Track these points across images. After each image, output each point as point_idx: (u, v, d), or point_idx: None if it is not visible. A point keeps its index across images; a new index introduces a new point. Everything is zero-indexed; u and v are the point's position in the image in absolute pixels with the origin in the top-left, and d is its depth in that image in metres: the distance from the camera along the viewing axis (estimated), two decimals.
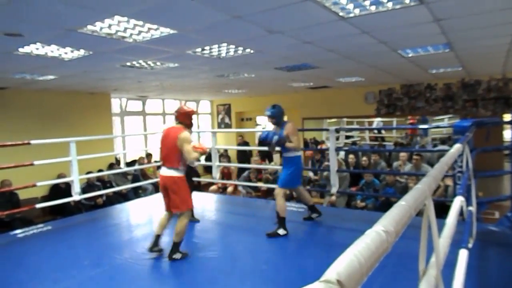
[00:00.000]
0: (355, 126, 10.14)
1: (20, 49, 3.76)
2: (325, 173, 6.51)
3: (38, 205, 5.09)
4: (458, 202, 1.99)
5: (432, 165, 6.02)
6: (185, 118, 3.46)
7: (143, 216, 5.33)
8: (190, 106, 3.62)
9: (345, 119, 9.82)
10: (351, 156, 7.09)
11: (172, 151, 3.34)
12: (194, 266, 3.31)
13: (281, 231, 3.92)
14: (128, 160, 9.46)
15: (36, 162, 4.70)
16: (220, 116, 12.57)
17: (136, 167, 8.14)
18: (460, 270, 1.70)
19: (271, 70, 5.91)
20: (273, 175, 7.84)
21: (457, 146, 2.22)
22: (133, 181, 7.84)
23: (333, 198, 5.98)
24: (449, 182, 5.17)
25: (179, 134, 3.32)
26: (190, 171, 4.93)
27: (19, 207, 6.10)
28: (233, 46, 4.13)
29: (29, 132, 6.80)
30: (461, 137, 3.12)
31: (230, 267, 3.31)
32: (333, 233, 4.42)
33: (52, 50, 3.89)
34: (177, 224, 3.36)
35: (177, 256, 3.34)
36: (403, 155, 6.69)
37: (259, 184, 7.45)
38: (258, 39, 3.79)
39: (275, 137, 4.00)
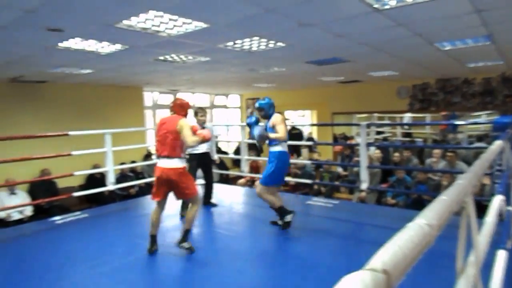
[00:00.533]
0: (386, 121, 9.89)
1: (60, 44, 3.92)
2: (355, 169, 6.42)
3: (75, 194, 5.33)
4: (497, 201, 1.92)
5: (467, 163, 5.79)
6: (180, 109, 3.34)
7: (173, 207, 5.45)
8: (186, 99, 3.53)
9: (375, 114, 9.60)
10: (376, 151, 6.90)
11: (171, 138, 3.19)
12: (222, 257, 3.36)
13: (288, 218, 3.83)
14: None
15: (73, 153, 4.92)
16: (249, 110, 12.61)
17: None
18: (498, 271, 1.65)
19: (302, 64, 5.86)
20: (301, 170, 7.82)
21: (498, 143, 2.13)
22: None
23: (363, 194, 5.88)
24: (486, 180, 4.95)
25: (179, 119, 3.21)
26: (208, 162, 5.00)
27: (58, 195, 6.42)
28: (265, 40, 4.12)
29: (66, 124, 7.11)
30: (502, 133, 2.98)
31: (258, 260, 3.34)
32: (363, 230, 4.35)
33: (90, 45, 4.03)
34: (189, 212, 3.34)
35: (186, 245, 3.31)
36: (437, 152, 6.47)
37: (287, 179, 7.44)
38: (290, 33, 3.76)
39: (257, 132, 3.78)
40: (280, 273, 3.01)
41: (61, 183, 6.98)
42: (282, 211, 3.85)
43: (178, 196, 3.41)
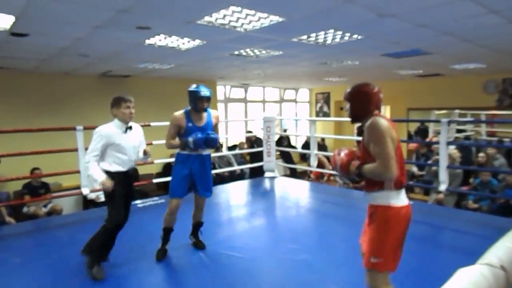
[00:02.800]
0: (468, 118, 9.08)
1: (147, 41, 4.23)
2: (433, 168, 6.02)
3: (155, 180, 5.76)
4: None
5: None
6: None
7: (241, 198, 5.61)
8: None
9: (457, 111, 8.86)
10: (454, 150, 6.35)
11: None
12: (290, 251, 3.39)
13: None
14: (230, 144, 10.01)
15: (154, 142, 5.30)
16: (319, 105, 12.44)
17: (237, 151, 8.57)
18: None
19: (378, 57, 5.62)
20: None
21: None
22: (230, 165, 8.28)
23: (441, 196, 5.50)
24: None
25: None
26: None
27: (138, 181, 6.97)
28: (340, 32, 4.03)
29: (147, 115, 7.66)
30: None
31: (327, 255, 3.31)
32: (440, 233, 4.09)
33: (172, 41, 4.29)
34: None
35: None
36: None
37: None
38: (368, 24, 3.63)
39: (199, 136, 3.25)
40: (350, 273, 2.96)
41: (141, 170, 7.55)
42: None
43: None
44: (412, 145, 9.61)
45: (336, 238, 3.76)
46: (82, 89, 7.39)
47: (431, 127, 8.49)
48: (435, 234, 4.08)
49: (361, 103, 2.06)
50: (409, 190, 7.23)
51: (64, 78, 7.10)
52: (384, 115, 2.07)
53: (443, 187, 4.62)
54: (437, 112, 8.69)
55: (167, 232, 3.32)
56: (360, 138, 2.12)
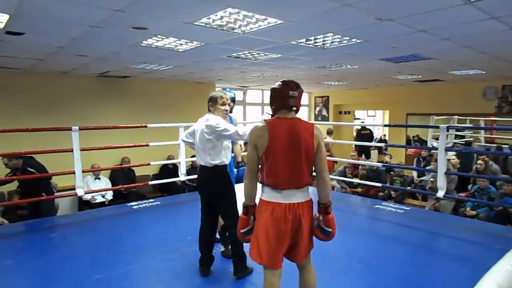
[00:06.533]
0: (468, 124, 9.05)
1: (144, 42, 4.19)
2: (430, 174, 5.99)
3: (151, 182, 5.72)
4: None
5: None
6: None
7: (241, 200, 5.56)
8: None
9: (456, 117, 8.82)
10: (453, 157, 6.32)
11: None
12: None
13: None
14: None
15: (151, 144, 5.26)
16: (318, 108, 12.42)
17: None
18: None
19: (377, 61, 5.60)
20: (372, 172, 7.50)
21: None
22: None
23: (441, 202, 5.46)
24: None
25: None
26: None
27: (135, 182, 6.92)
28: (339, 36, 4.00)
29: (145, 116, 7.63)
30: None
31: (321, 261, 3.26)
32: (436, 240, 4.06)
33: (170, 42, 4.26)
34: None
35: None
36: None
37: (355, 180, 7.21)
38: (367, 28, 3.60)
39: None
40: (345, 279, 2.91)
41: (138, 172, 7.50)
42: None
43: None
44: (411, 150, 9.59)
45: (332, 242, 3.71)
46: (80, 89, 7.35)
47: (430, 133, 8.45)
48: (432, 241, 4.04)
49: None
50: (410, 195, 7.19)
51: (62, 78, 7.06)
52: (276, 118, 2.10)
53: (441, 193, 4.58)
54: (436, 117, 8.66)
55: None
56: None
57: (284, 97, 2.04)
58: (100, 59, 5.31)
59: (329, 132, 9.86)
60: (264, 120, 2.08)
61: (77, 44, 4.21)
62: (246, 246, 2.88)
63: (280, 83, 2.08)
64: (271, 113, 2.14)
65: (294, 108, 2.07)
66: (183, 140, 3.31)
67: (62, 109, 7.03)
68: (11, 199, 5.80)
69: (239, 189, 2.55)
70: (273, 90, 2.11)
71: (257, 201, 2.14)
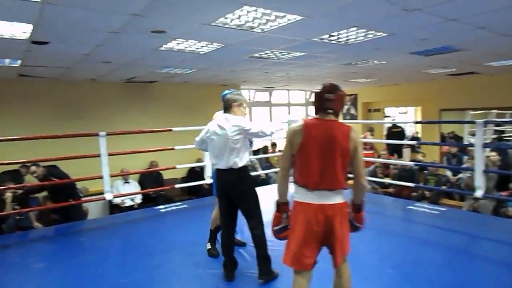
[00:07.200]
0: (508, 119, 8.50)
1: (164, 46, 4.21)
2: (467, 173, 5.65)
3: (177, 185, 5.73)
4: None
5: None
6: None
7: (266, 203, 5.47)
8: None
9: (494, 111, 8.32)
10: (493, 153, 5.92)
11: None
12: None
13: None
14: (254, 148, 9.91)
15: (176, 147, 5.27)
16: (346, 107, 12.13)
17: (261, 155, 8.45)
18: None
19: (405, 55, 5.35)
20: (405, 172, 7.17)
21: None
22: (254, 170, 8.15)
23: (481, 202, 5.12)
24: None
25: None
26: None
27: (163, 186, 6.99)
28: (363, 30, 3.83)
29: (171, 120, 7.70)
30: None
31: (351, 265, 3.11)
32: (476, 243, 3.78)
33: (190, 45, 4.25)
34: None
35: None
36: None
37: (386, 180, 6.93)
38: (392, 20, 3.42)
39: None
40: (377, 286, 2.75)
41: (166, 175, 7.58)
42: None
43: None
44: (446, 148, 9.14)
45: (364, 245, 3.54)
46: (108, 96, 7.54)
47: (466, 128, 8.01)
48: (471, 244, 3.78)
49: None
50: (445, 195, 6.84)
51: (90, 85, 7.27)
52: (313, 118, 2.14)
53: (479, 193, 4.28)
54: (472, 112, 8.21)
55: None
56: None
57: (320, 100, 2.08)
58: (125, 65, 5.40)
59: (370, 130, 9.64)
60: (303, 119, 2.13)
61: (101, 51, 4.29)
62: (270, 249, 2.83)
63: (320, 86, 2.12)
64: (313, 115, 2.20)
65: (331, 111, 2.07)
66: (198, 148, 3.34)
67: (92, 115, 7.23)
68: (45, 204, 6.01)
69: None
70: (313, 93, 2.18)
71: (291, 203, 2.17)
